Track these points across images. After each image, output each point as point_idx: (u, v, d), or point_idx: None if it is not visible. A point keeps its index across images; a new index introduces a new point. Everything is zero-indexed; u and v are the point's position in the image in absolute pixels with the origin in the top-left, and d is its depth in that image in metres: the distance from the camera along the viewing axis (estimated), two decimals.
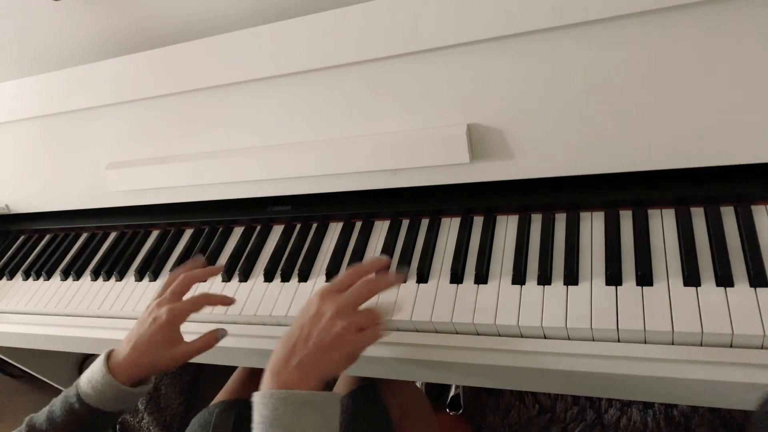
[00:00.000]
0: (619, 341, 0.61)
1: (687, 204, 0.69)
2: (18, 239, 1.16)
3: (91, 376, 0.65)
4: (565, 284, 0.66)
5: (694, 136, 0.65)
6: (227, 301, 0.74)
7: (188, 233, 0.98)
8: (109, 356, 0.66)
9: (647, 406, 1.17)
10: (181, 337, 0.68)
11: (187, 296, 0.72)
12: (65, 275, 1.01)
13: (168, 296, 0.69)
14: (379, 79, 0.74)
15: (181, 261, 0.92)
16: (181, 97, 0.85)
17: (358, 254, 0.80)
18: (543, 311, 0.65)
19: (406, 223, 0.83)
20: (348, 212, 0.87)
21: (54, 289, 0.99)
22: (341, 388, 0.86)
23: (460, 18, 0.66)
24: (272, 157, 0.83)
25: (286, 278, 0.82)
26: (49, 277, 1.02)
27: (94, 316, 0.92)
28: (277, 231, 0.92)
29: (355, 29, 0.71)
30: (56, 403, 0.65)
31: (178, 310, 0.67)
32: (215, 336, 0.69)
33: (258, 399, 0.54)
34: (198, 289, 0.87)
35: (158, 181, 0.92)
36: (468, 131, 0.72)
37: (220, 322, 0.80)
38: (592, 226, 0.71)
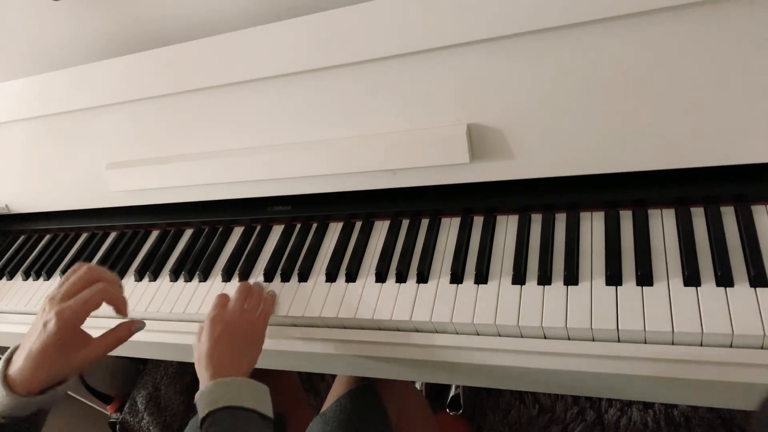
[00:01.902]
0: (619, 341, 0.61)
1: (687, 204, 0.69)
2: (18, 239, 1.16)
3: None
4: (565, 284, 0.66)
5: (695, 136, 0.65)
6: (122, 307, 0.65)
7: (188, 233, 0.98)
8: (9, 362, 0.59)
9: (647, 406, 1.17)
10: (85, 337, 0.61)
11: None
12: None
13: (60, 296, 0.60)
14: (379, 79, 0.74)
15: (181, 261, 0.92)
16: (182, 97, 0.85)
17: (358, 254, 0.80)
18: (543, 311, 0.65)
19: (406, 223, 0.83)
20: (348, 212, 0.87)
21: None
22: (340, 388, 0.86)
23: (461, 18, 0.66)
24: (272, 157, 0.83)
25: (286, 278, 0.82)
26: (49, 277, 1.02)
27: (93, 317, 0.91)
28: (277, 231, 0.92)
29: (355, 29, 0.71)
30: None
31: (71, 311, 0.58)
32: (128, 328, 0.63)
33: (202, 394, 0.61)
34: (197, 291, 0.87)
35: (158, 181, 0.92)
36: (468, 131, 0.72)
37: None
38: (592, 226, 0.71)
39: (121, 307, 0.65)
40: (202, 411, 0.61)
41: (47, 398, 0.59)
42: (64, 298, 0.60)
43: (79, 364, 0.59)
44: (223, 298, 0.74)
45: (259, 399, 0.64)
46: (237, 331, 0.69)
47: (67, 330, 0.58)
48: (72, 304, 0.59)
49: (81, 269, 0.63)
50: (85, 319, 0.60)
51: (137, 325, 0.65)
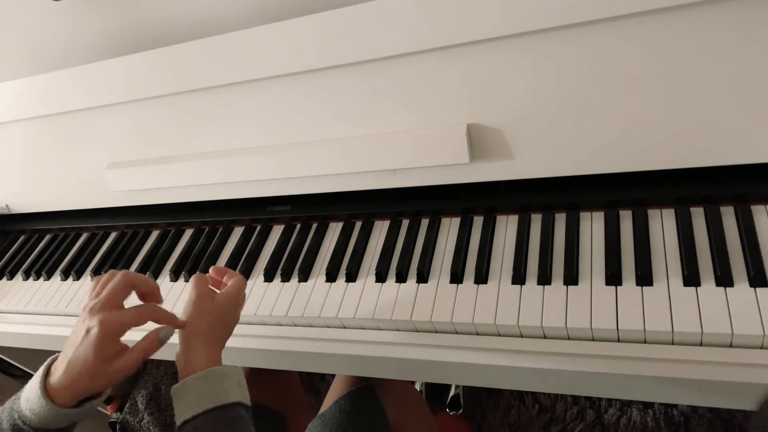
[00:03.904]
0: (618, 341, 0.61)
1: (687, 204, 0.69)
2: (18, 239, 1.16)
3: (28, 396, 0.56)
4: (565, 284, 0.66)
5: (694, 136, 0.65)
6: (175, 323, 0.63)
7: (188, 233, 0.98)
8: (48, 371, 0.57)
9: (647, 406, 1.17)
10: (121, 348, 0.58)
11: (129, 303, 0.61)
12: (65, 275, 1.01)
13: (103, 301, 0.58)
14: (380, 79, 0.74)
15: (181, 261, 0.92)
16: (183, 97, 0.85)
17: (358, 254, 0.80)
18: (543, 311, 0.65)
19: (406, 223, 0.83)
20: (348, 212, 0.87)
21: (54, 289, 0.99)
22: (339, 389, 0.86)
23: (461, 18, 0.66)
24: (272, 157, 0.83)
25: (286, 278, 0.82)
26: (49, 277, 1.02)
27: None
28: (277, 231, 0.92)
29: (356, 29, 0.71)
30: (3, 416, 0.58)
31: (116, 323, 0.56)
32: (157, 338, 0.60)
33: (181, 390, 0.58)
34: None
35: (159, 181, 0.92)
36: (468, 131, 0.72)
37: None
38: (592, 226, 0.71)
39: (172, 322, 0.63)
40: (182, 412, 0.56)
41: (83, 411, 0.58)
42: (106, 306, 0.57)
43: (115, 374, 0.57)
44: (211, 278, 0.69)
45: (242, 385, 0.59)
46: (237, 307, 0.65)
47: (109, 338, 0.56)
48: (119, 316, 0.57)
49: (117, 276, 0.61)
50: (126, 332, 0.58)
51: (164, 333, 0.61)
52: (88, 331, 0.56)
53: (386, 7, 0.68)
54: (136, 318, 0.59)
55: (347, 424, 0.77)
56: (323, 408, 0.84)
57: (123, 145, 0.94)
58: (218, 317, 0.63)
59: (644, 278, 0.63)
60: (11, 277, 1.06)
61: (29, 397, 0.56)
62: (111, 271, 0.62)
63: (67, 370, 0.56)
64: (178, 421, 0.57)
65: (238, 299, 0.66)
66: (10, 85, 0.95)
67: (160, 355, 0.89)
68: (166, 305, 0.85)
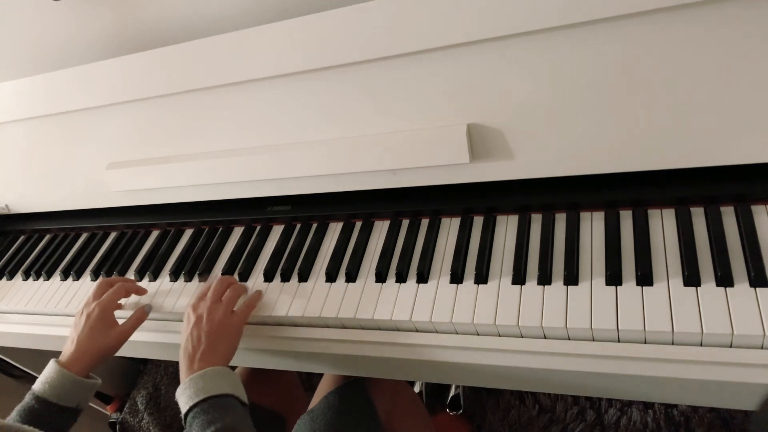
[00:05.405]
0: (619, 341, 0.61)
1: (687, 204, 0.69)
2: (18, 239, 1.16)
3: (45, 378, 0.72)
4: (565, 284, 0.66)
5: (694, 136, 0.65)
6: (140, 291, 0.87)
7: (188, 233, 0.98)
8: (56, 359, 0.74)
9: (647, 406, 1.17)
10: (116, 322, 0.79)
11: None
12: (65, 275, 1.01)
13: (91, 298, 0.81)
14: (379, 79, 0.74)
15: (181, 261, 0.92)
16: (183, 97, 0.85)
17: (358, 254, 0.80)
18: (543, 311, 0.65)
19: (406, 223, 0.83)
20: (348, 212, 0.87)
21: (54, 289, 0.99)
22: (328, 384, 0.86)
23: (460, 18, 0.66)
24: (272, 157, 0.83)
25: (286, 278, 0.82)
26: (49, 277, 1.02)
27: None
28: (277, 231, 0.92)
29: (355, 29, 0.71)
30: (11, 415, 0.70)
31: (106, 299, 0.79)
32: (143, 312, 0.81)
33: (181, 390, 0.65)
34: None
35: (158, 181, 0.92)
36: (468, 131, 0.72)
37: None
38: (592, 226, 0.71)
39: (140, 291, 0.87)
40: (183, 407, 0.64)
41: (90, 384, 0.75)
42: (96, 298, 0.80)
43: (116, 338, 0.77)
44: (201, 289, 0.78)
45: (236, 384, 0.67)
46: (211, 321, 0.71)
47: (107, 312, 0.78)
48: (105, 296, 0.80)
49: (98, 282, 0.85)
50: (116, 305, 0.80)
51: (147, 307, 0.84)
52: (89, 315, 0.77)
53: (383, 7, 0.68)
54: (115, 293, 0.81)
55: (335, 420, 0.77)
56: (312, 404, 0.84)
57: (123, 144, 0.94)
58: (198, 337, 0.70)
59: (644, 278, 0.63)
60: (11, 277, 1.06)
61: (47, 377, 0.72)
62: (105, 280, 0.84)
63: (78, 343, 0.75)
64: (183, 416, 0.64)
65: (228, 317, 0.73)
66: (10, 85, 0.95)
67: (159, 355, 0.90)
68: (167, 305, 0.86)
